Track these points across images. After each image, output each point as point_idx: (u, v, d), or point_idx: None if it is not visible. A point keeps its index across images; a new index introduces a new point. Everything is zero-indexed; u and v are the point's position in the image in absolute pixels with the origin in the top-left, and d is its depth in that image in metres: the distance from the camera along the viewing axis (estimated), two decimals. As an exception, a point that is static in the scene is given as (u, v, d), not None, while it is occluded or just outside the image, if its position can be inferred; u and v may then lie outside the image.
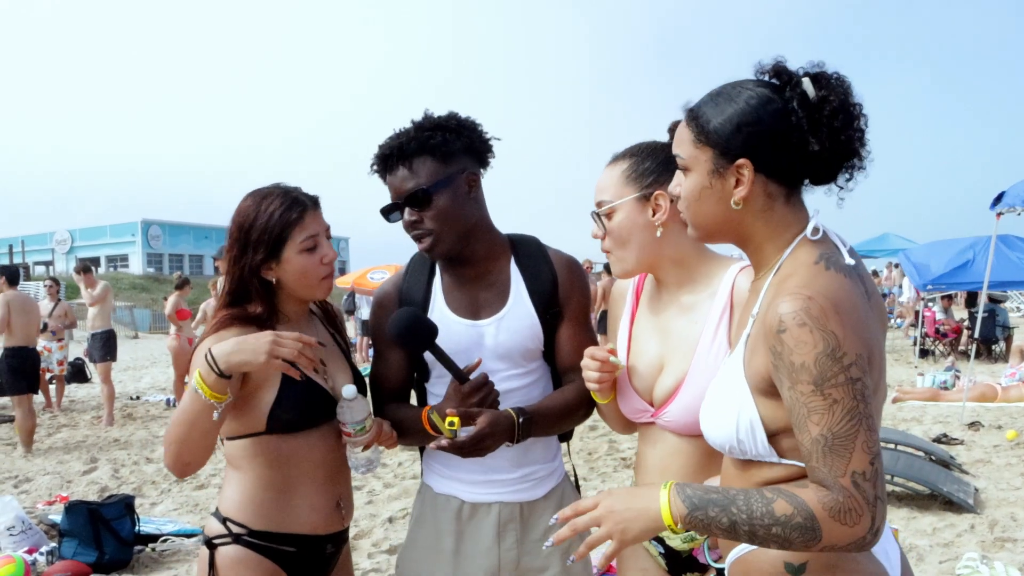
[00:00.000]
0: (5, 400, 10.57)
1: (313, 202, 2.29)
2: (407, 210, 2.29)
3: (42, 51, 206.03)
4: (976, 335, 11.53)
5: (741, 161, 1.60)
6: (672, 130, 2.02)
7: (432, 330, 2.23)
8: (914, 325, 18.59)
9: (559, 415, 2.34)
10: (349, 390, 2.17)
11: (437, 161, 2.25)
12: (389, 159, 2.27)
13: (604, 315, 14.97)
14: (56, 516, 6.10)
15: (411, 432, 2.37)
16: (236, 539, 2.23)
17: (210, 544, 2.26)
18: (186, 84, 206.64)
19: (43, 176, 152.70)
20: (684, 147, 1.69)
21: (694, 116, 1.67)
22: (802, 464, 1.53)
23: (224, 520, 2.26)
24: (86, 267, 11.94)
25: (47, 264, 52.49)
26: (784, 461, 1.59)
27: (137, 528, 5.72)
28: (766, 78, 1.65)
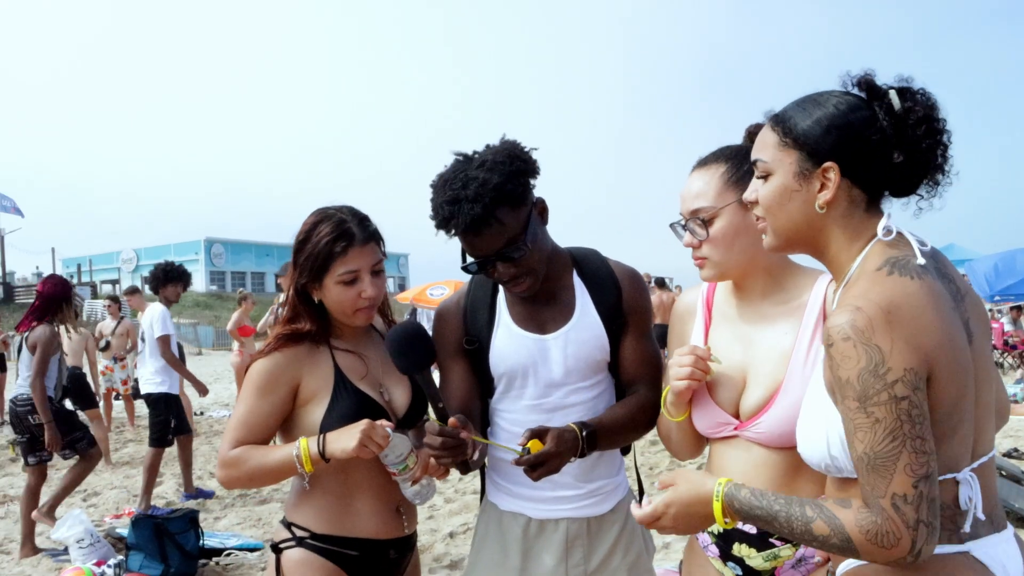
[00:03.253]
0: (80, 417, 10.79)
1: (365, 236, 2.29)
2: (500, 265, 2.23)
3: (108, 78, 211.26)
4: (1047, 346, 11.25)
5: (828, 164, 1.60)
6: (752, 133, 2.01)
7: (433, 353, 2.20)
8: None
9: (622, 427, 2.31)
10: (389, 434, 2.18)
11: (515, 208, 2.18)
12: (474, 226, 2.14)
13: (659, 329, 14.79)
14: (123, 529, 6.21)
15: (478, 462, 2.32)
16: (300, 542, 2.32)
17: (276, 548, 2.35)
18: (251, 105, 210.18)
19: (110, 197, 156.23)
20: (767, 151, 1.69)
21: (780, 120, 1.67)
22: None
23: (289, 525, 2.35)
24: (134, 289, 12.09)
25: (113, 283, 53.53)
26: None
27: (201, 542, 5.79)
28: (853, 89, 1.65)
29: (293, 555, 2.32)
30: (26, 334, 6.26)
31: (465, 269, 2.30)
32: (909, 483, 1.42)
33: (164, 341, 7.50)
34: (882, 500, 1.44)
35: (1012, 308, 17.19)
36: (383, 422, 2.20)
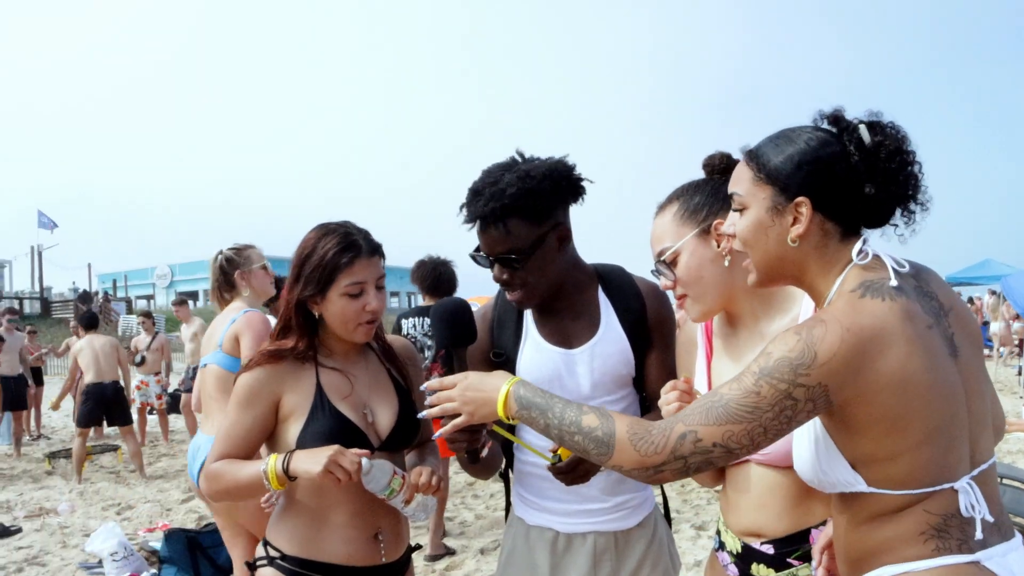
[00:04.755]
0: (112, 430, 10.96)
1: (371, 249, 2.30)
2: (498, 266, 2.29)
3: (145, 97, 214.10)
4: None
5: (800, 199, 1.64)
6: (707, 165, 2.11)
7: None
8: (1017, 354, 17.94)
9: None
10: (363, 463, 2.15)
11: (529, 224, 2.21)
12: (481, 219, 2.24)
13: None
14: (156, 543, 6.25)
15: (489, 462, 2.34)
16: (271, 562, 2.31)
17: (250, 565, 2.36)
18: (277, 122, 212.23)
19: (146, 213, 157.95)
20: (742, 185, 1.73)
21: (754, 156, 1.72)
22: (897, 492, 1.54)
23: (265, 544, 2.35)
24: (182, 300, 12.45)
25: (148, 298, 54.14)
26: (876, 491, 1.57)
27: (233, 556, 5.81)
28: (824, 124, 1.69)
29: (264, 574, 2.31)
30: None
31: (472, 256, 2.34)
32: (714, 439, 1.53)
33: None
34: (681, 424, 1.55)
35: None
36: (356, 451, 2.15)
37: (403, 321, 6.16)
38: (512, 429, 2.47)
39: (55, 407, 12.46)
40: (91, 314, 11.04)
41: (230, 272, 4.17)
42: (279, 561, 2.30)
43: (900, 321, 1.52)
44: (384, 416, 2.37)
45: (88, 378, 10.09)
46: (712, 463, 1.55)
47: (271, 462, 2.17)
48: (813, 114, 1.71)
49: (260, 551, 2.36)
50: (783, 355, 1.50)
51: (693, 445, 1.54)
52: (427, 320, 5.96)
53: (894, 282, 1.58)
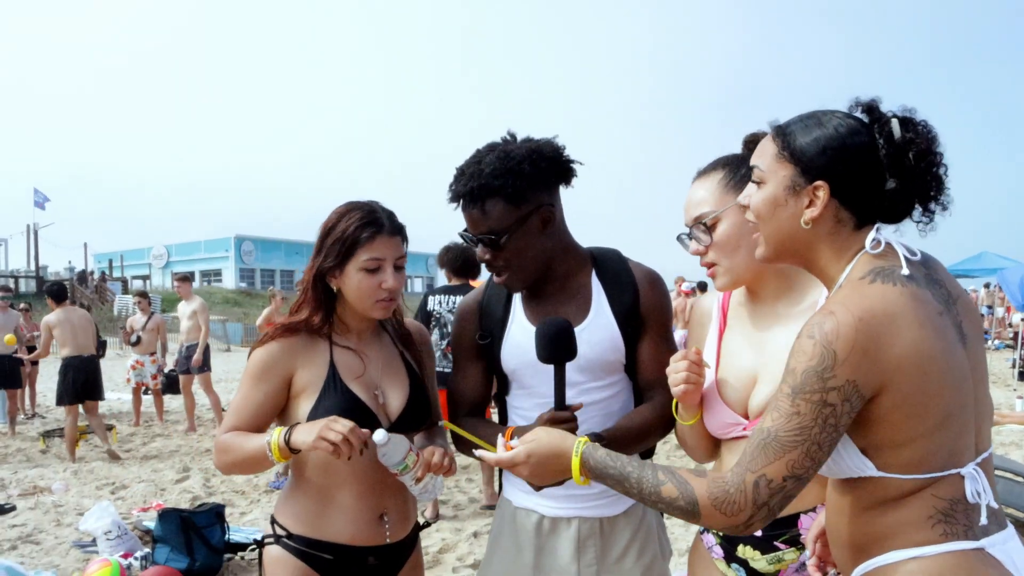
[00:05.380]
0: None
1: (392, 228, 2.32)
2: (480, 246, 2.31)
3: (142, 77, 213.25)
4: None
5: (819, 183, 1.63)
6: (748, 142, 2.10)
7: (575, 350, 2.17)
8: (1012, 346, 17.98)
9: (637, 435, 2.30)
10: (379, 435, 2.13)
11: (509, 204, 2.23)
12: (462, 198, 2.28)
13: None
14: (150, 522, 6.26)
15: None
16: (278, 540, 2.35)
17: (259, 543, 2.41)
18: (282, 100, 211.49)
19: (142, 194, 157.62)
20: (765, 159, 1.72)
21: (781, 132, 1.71)
22: (908, 476, 1.55)
23: (273, 522, 2.38)
24: (184, 277, 12.43)
25: (144, 278, 54.02)
26: (886, 475, 1.57)
27: (227, 536, 5.83)
28: (858, 112, 1.68)
29: (272, 551, 2.35)
30: None
31: (460, 235, 2.36)
32: (782, 474, 1.52)
33: None
34: (749, 473, 1.54)
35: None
36: (353, 426, 2.10)
37: (430, 297, 6.76)
38: (503, 408, 2.47)
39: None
40: (60, 286, 10.88)
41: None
42: (285, 540, 2.33)
43: (911, 304, 1.53)
44: (395, 398, 2.38)
45: (65, 352, 9.98)
46: (790, 495, 1.55)
47: (275, 434, 2.17)
48: (849, 101, 1.69)
49: (269, 529, 2.40)
50: (806, 367, 1.51)
51: (768, 488, 1.53)
52: (453, 298, 6.59)
53: (905, 270, 1.58)
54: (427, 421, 2.46)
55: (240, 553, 5.93)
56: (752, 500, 1.53)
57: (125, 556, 5.56)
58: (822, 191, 1.63)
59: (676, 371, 2.06)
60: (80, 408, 9.97)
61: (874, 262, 1.61)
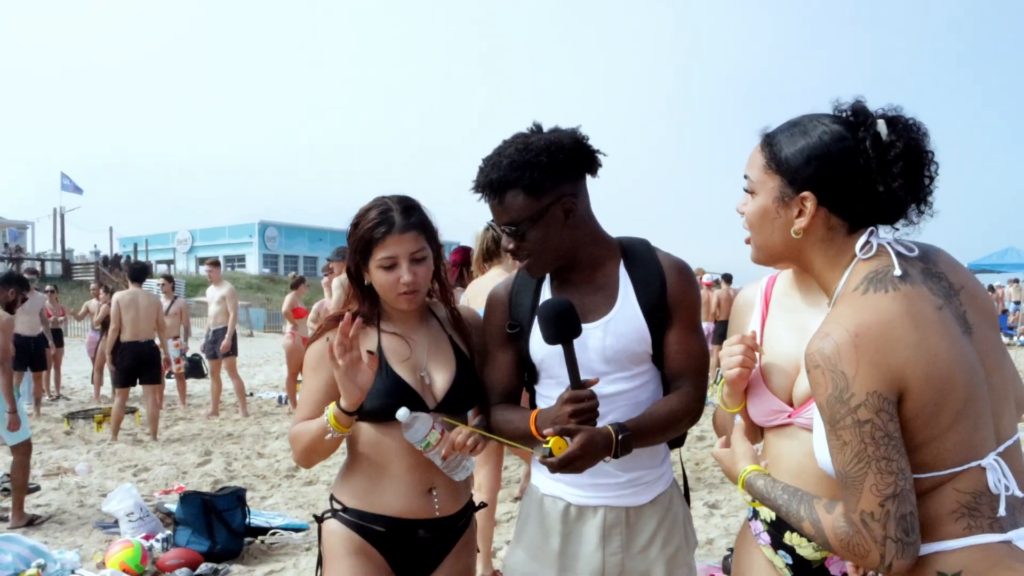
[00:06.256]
0: (135, 392, 11.01)
1: (405, 225, 2.38)
2: (505, 235, 2.35)
3: (169, 62, 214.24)
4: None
5: (805, 194, 1.65)
6: None
7: (578, 327, 2.20)
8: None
9: (663, 426, 2.30)
10: (402, 413, 2.31)
11: (528, 196, 2.23)
12: (484, 190, 2.30)
13: (720, 325, 14.73)
14: (172, 505, 6.31)
15: (518, 435, 2.37)
16: (335, 514, 2.50)
17: (318, 518, 2.55)
18: (308, 86, 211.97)
19: (166, 178, 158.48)
20: (754, 171, 1.75)
21: (768, 143, 1.73)
22: (926, 475, 1.54)
23: (332, 498, 2.54)
24: (215, 262, 12.62)
25: (168, 263, 54.39)
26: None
27: (248, 520, 5.87)
28: (844, 115, 1.68)
29: (329, 525, 2.50)
30: None
31: (489, 224, 2.38)
32: (876, 502, 1.50)
33: None
34: (853, 515, 1.53)
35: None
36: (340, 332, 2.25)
37: None
38: (533, 397, 2.48)
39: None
40: (141, 266, 10.98)
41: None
42: (341, 513, 2.48)
43: (905, 308, 1.53)
44: (440, 379, 2.48)
45: (126, 336, 9.95)
46: (903, 514, 1.50)
47: (331, 407, 2.31)
48: (833, 102, 1.70)
49: (327, 505, 2.53)
50: (825, 398, 1.52)
51: (874, 522, 1.50)
52: None
53: (898, 271, 1.58)
54: (476, 402, 2.55)
55: (260, 537, 5.96)
56: (872, 539, 1.51)
57: (147, 538, 5.61)
58: (809, 201, 1.64)
59: (731, 354, 2.07)
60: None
61: (868, 267, 1.61)
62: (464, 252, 7.38)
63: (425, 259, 2.42)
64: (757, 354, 2.09)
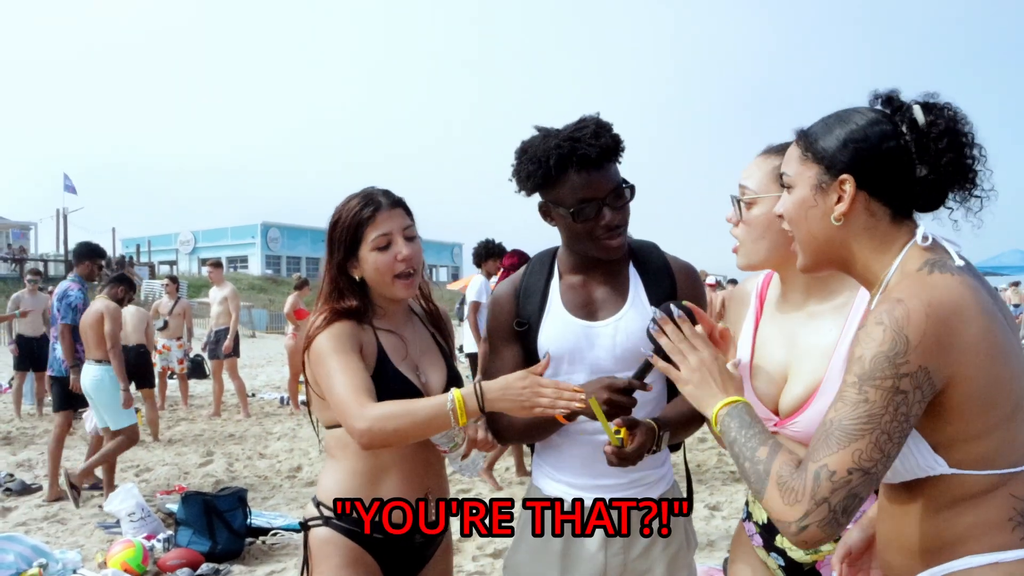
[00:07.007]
0: (136, 393, 11.01)
1: (391, 202, 2.37)
2: (609, 209, 2.27)
3: (172, 62, 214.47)
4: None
5: (844, 176, 1.62)
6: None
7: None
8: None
9: (686, 422, 2.32)
10: None
11: (617, 163, 2.32)
12: (596, 158, 2.21)
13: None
14: (173, 505, 6.33)
15: (531, 429, 2.37)
16: (326, 522, 2.37)
17: (304, 525, 2.42)
18: (310, 86, 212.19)
19: (169, 179, 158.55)
20: (791, 164, 1.73)
21: (804, 135, 1.71)
22: (983, 472, 1.49)
23: (318, 504, 2.39)
24: (217, 263, 12.64)
25: (171, 264, 54.32)
26: (960, 472, 1.51)
27: (249, 521, 5.88)
28: (879, 105, 1.67)
29: (319, 533, 2.37)
30: None
31: (574, 214, 2.27)
32: (847, 465, 1.44)
33: (474, 307, 8.21)
34: (811, 463, 1.47)
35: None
36: (556, 385, 2.05)
37: None
38: None
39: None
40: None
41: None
42: (333, 520, 2.36)
43: (973, 294, 1.50)
44: (435, 378, 2.45)
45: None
46: (857, 495, 1.44)
47: (457, 397, 2.06)
48: (868, 94, 1.68)
49: (312, 511, 2.41)
50: (876, 352, 1.45)
51: (829, 482, 1.44)
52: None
53: (959, 262, 1.56)
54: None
55: (261, 537, 5.97)
56: (811, 492, 1.45)
57: (148, 538, 5.62)
58: (848, 184, 1.61)
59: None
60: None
61: (925, 254, 1.58)
62: (520, 256, 7.43)
63: (415, 237, 2.39)
64: (741, 355, 2.10)
